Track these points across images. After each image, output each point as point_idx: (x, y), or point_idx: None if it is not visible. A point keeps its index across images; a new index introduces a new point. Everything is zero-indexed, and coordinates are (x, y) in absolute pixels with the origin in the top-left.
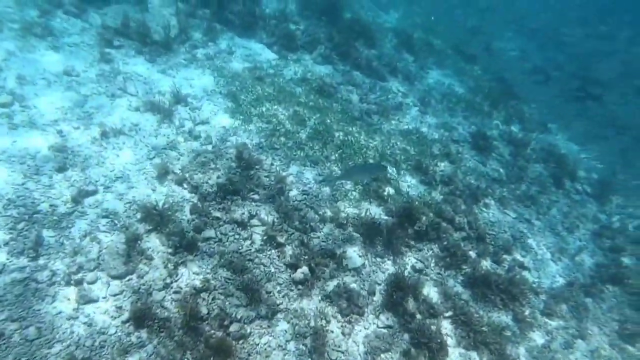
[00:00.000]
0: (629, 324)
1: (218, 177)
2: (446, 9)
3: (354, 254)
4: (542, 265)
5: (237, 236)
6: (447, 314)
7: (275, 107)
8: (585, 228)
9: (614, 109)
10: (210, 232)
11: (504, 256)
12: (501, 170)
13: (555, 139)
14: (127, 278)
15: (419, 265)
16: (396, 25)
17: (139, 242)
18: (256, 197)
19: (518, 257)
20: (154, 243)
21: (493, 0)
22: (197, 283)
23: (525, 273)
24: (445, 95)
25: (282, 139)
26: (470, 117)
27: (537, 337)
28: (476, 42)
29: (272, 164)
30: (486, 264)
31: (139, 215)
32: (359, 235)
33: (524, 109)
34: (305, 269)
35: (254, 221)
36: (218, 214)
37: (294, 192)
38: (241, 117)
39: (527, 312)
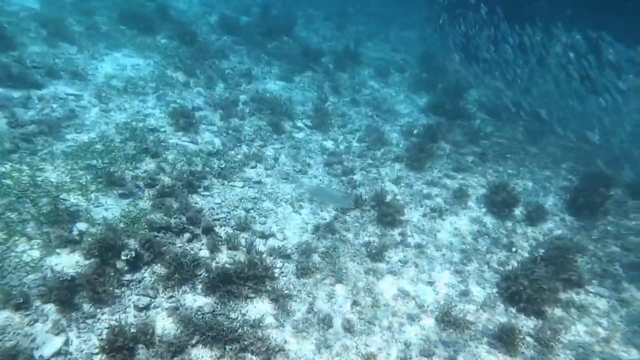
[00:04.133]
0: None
1: None
2: None
3: (47, 337)
4: (285, 222)
5: None
6: (193, 342)
7: None
8: (317, 162)
9: (304, 42)
10: None
11: (241, 236)
12: (216, 140)
13: (264, 83)
14: None
15: (143, 301)
16: (40, 10)
17: None
18: None
19: (257, 228)
20: None
21: None
22: None
23: (270, 241)
24: (129, 80)
25: None
26: (165, 96)
27: (299, 307)
28: (149, 9)
29: None
30: (222, 256)
31: None
32: (52, 306)
33: (224, 64)
34: None
35: None
36: None
37: None
38: None
39: (281, 284)
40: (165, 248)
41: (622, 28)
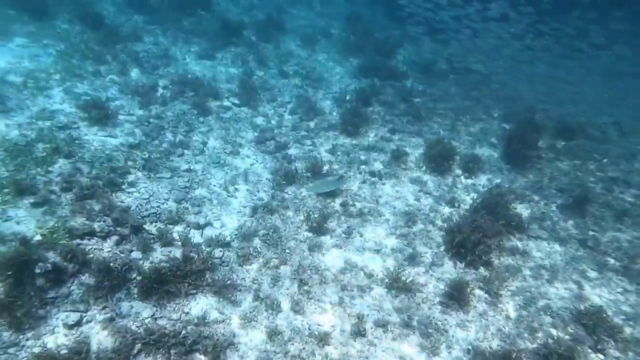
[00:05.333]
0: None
1: None
2: None
3: None
4: (221, 208)
5: None
6: (134, 352)
7: None
8: (248, 140)
9: (223, 15)
10: None
11: (175, 230)
12: (137, 131)
13: (184, 64)
14: None
15: (73, 318)
16: None
17: None
18: None
19: (192, 219)
20: None
21: None
22: None
23: (207, 231)
24: (29, 74)
25: None
26: (74, 88)
27: (244, 296)
28: None
29: None
30: (156, 254)
31: None
32: None
33: (138, 47)
34: None
35: None
36: None
37: None
38: None
39: (223, 275)
40: (91, 256)
41: None
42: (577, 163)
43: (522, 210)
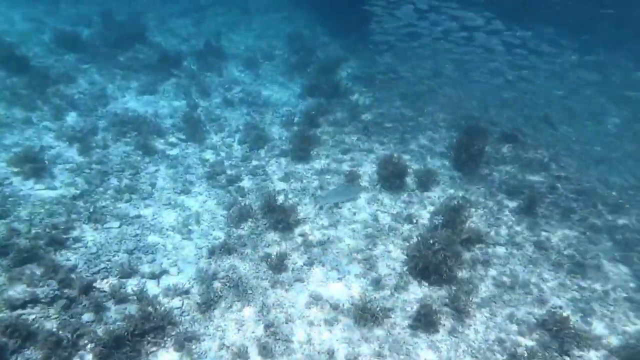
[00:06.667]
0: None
1: None
2: None
3: None
4: (176, 253)
5: None
6: None
7: None
8: (199, 177)
9: (160, 47)
10: None
11: (129, 284)
12: (78, 180)
13: (123, 102)
14: None
15: None
16: None
17: None
18: None
19: (146, 269)
20: None
21: None
22: None
23: (164, 279)
24: None
25: None
26: (2, 139)
27: (209, 346)
28: None
29: None
30: (110, 314)
31: None
32: None
33: (72, 89)
34: None
35: None
36: None
37: None
38: None
39: (185, 326)
40: (36, 326)
41: None
42: (522, 164)
43: (478, 218)
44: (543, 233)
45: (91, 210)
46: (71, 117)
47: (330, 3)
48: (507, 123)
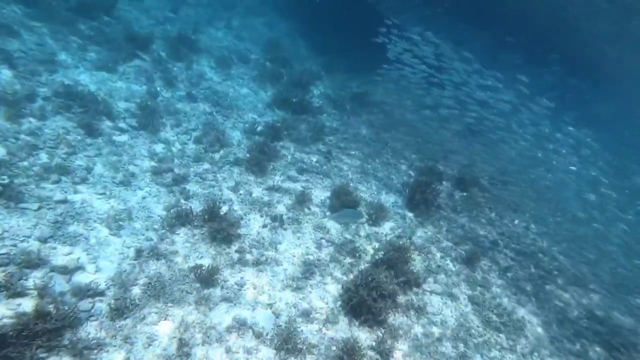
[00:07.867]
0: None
1: None
2: None
3: None
4: (99, 249)
5: None
6: None
7: None
8: (143, 170)
9: (130, 25)
10: None
11: (32, 276)
12: (0, 148)
13: (75, 73)
14: None
15: None
16: None
17: None
18: None
19: (59, 261)
20: None
21: None
22: None
23: (78, 276)
24: None
25: None
26: None
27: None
28: None
29: None
30: (1, 309)
31: None
32: None
33: (13, 44)
34: None
35: None
36: None
37: None
38: None
39: (88, 333)
40: None
41: None
42: (471, 215)
43: (420, 262)
44: (478, 288)
45: (6, 184)
46: (5, 75)
47: (315, 18)
48: (464, 169)
